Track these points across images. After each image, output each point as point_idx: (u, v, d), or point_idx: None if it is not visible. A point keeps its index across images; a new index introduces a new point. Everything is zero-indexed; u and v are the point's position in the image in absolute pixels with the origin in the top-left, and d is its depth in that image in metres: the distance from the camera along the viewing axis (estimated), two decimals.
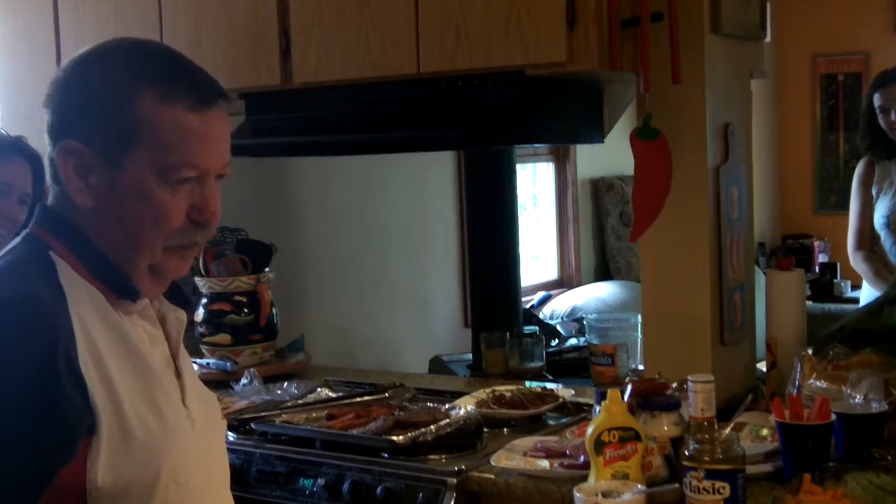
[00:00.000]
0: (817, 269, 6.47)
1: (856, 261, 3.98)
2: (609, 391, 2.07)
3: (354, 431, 2.54)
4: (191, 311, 3.12)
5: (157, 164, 1.42)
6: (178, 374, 1.54)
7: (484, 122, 2.65)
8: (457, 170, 4.79)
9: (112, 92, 1.43)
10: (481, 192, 3.78)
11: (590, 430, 2.06)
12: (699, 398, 2.03)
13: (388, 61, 2.63)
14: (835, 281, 6.21)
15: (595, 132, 2.83)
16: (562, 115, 2.70)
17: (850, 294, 5.82)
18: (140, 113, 1.42)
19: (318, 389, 2.95)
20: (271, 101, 2.89)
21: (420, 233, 4.74)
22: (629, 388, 2.21)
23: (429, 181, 4.76)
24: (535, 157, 5.57)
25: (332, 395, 2.91)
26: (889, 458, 2.05)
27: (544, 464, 2.30)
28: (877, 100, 3.70)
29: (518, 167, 3.99)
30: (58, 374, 1.32)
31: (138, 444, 1.39)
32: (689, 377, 2.05)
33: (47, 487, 1.33)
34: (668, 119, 2.52)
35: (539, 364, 3.45)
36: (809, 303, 5.31)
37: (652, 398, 2.17)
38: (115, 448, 1.37)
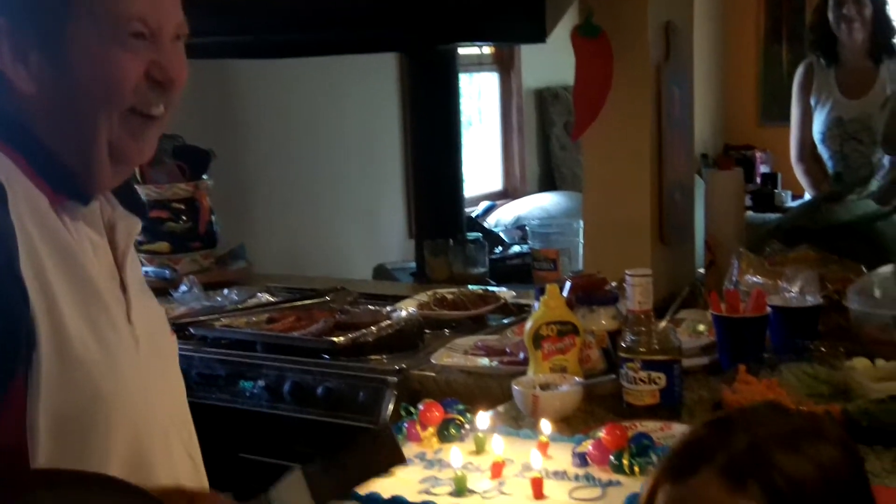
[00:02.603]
0: (759, 179, 6.52)
1: (798, 171, 4.00)
2: (548, 286, 2.08)
3: (295, 334, 2.53)
4: (146, 218, 3.06)
5: (102, 24, 1.28)
6: (124, 288, 1.38)
7: (424, 21, 2.61)
8: (400, 79, 4.73)
9: None
10: (424, 100, 3.73)
11: (528, 324, 2.07)
12: (636, 291, 2.03)
13: None
14: (776, 191, 6.26)
15: (537, 31, 2.79)
16: (503, 14, 2.66)
17: (790, 204, 5.87)
18: None
19: (259, 295, 2.93)
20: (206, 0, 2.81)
21: (364, 143, 4.70)
22: (568, 284, 2.22)
23: (373, 91, 4.71)
24: (479, 67, 5.52)
25: (273, 300, 2.89)
26: (823, 350, 2.07)
27: (484, 361, 2.30)
28: None
29: (464, 78, 3.95)
30: (2, 274, 1.19)
31: (77, 367, 1.24)
32: (627, 271, 2.05)
33: None
34: (609, 16, 2.49)
35: (482, 270, 3.45)
36: (751, 213, 5.38)
37: (590, 293, 2.17)
38: (52, 372, 1.22)
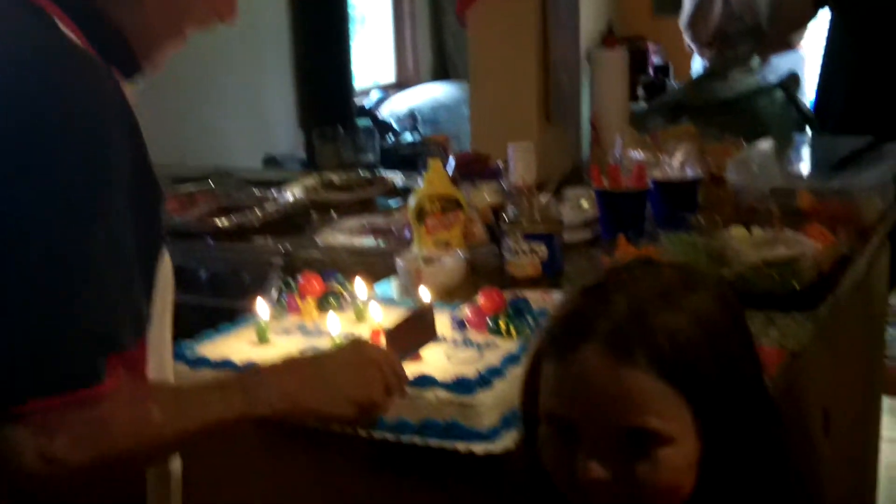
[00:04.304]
0: (651, 71, 6.56)
1: (687, 37, 4.01)
2: (430, 161, 2.06)
3: (177, 218, 2.47)
4: None
5: None
6: None
7: None
8: None
9: None
10: None
11: (412, 200, 2.06)
12: (519, 165, 2.04)
13: None
14: (668, 82, 6.30)
15: None
16: None
17: None
18: None
19: None
20: None
21: (250, 30, 4.57)
22: (452, 160, 2.21)
23: None
24: None
25: None
26: (702, 221, 2.11)
27: (370, 241, 2.29)
28: None
29: None
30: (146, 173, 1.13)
31: None
32: (510, 144, 2.04)
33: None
34: None
35: (372, 158, 3.42)
36: (642, 104, 5.41)
37: (473, 168, 2.17)
38: None
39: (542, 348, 1.08)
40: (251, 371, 1.25)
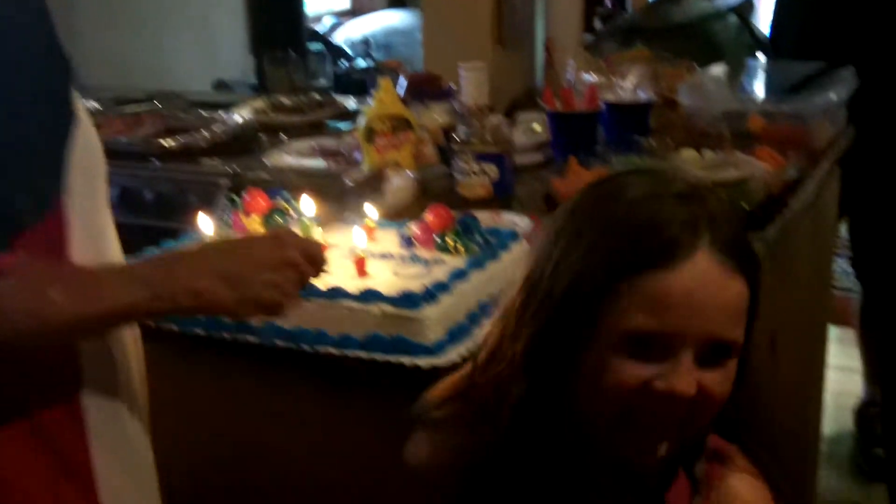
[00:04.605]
0: (608, 2, 6.52)
1: None
2: (381, 80, 2.03)
3: (122, 138, 2.43)
4: None
5: None
6: None
7: None
8: None
9: None
10: None
11: (361, 120, 2.02)
12: (470, 85, 2.01)
13: None
14: (623, 13, 6.27)
15: None
16: None
17: None
18: None
19: (85, 101, 2.79)
20: None
21: None
22: (403, 81, 2.18)
23: None
24: None
25: (99, 108, 2.76)
26: (654, 143, 2.10)
27: (320, 162, 2.26)
28: None
29: None
30: None
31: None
32: (460, 64, 2.01)
33: None
34: None
35: (325, 83, 3.37)
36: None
37: (424, 89, 2.14)
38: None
39: (620, 264, 0.99)
40: (161, 261, 1.21)
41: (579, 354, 1.02)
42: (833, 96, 2.19)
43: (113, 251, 1.27)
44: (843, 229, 3.01)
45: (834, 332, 3.34)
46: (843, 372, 3.37)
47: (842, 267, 3.55)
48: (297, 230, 1.64)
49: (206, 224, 1.53)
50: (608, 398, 1.01)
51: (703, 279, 0.98)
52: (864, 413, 3.05)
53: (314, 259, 1.23)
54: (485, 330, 1.40)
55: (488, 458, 1.09)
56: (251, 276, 1.16)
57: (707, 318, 0.98)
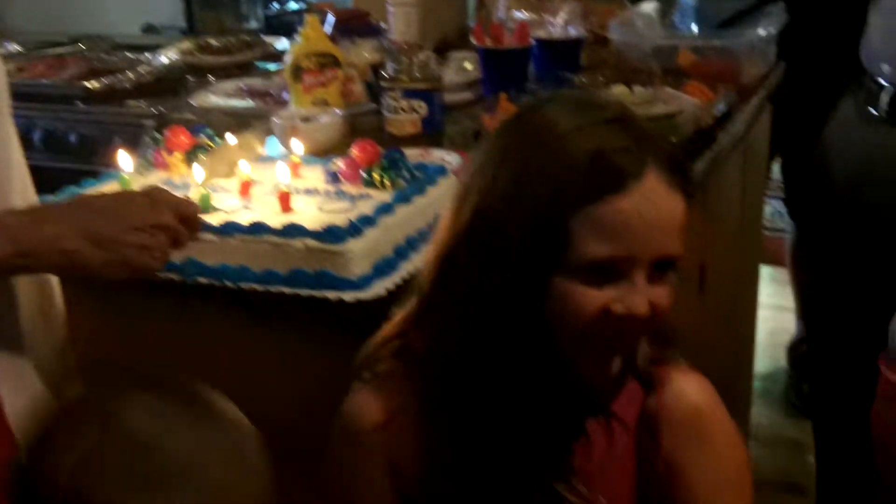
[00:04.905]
0: None
1: None
2: (307, 17, 1.99)
3: (45, 80, 2.37)
4: None
5: None
6: None
7: None
8: None
9: None
10: None
11: (288, 57, 1.99)
12: (399, 21, 1.98)
13: None
14: None
15: None
16: None
17: None
18: None
19: (7, 44, 2.72)
20: None
21: None
22: (331, 18, 2.14)
23: None
24: None
25: (22, 50, 2.69)
26: (584, 80, 2.09)
27: (247, 102, 2.22)
28: None
29: None
30: None
31: None
32: (389, 0, 1.98)
33: None
34: None
35: (256, 25, 3.32)
36: None
37: (353, 26, 2.10)
38: None
39: (570, 197, 0.99)
40: (32, 216, 1.16)
41: (535, 288, 1.02)
42: (762, 32, 2.19)
43: (15, 170, 1.23)
44: (778, 171, 3.04)
45: (769, 272, 3.38)
46: (777, 311, 3.42)
47: (776, 208, 3.59)
48: (222, 168, 1.61)
49: (126, 162, 1.50)
50: (567, 326, 1.03)
51: (652, 199, 1.00)
52: (795, 350, 3.10)
53: (188, 220, 1.21)
54: (412, 264, 1.40)
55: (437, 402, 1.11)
56: (121, 237, 1.13)
57: (656, 236, 1.01)
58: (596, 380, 1.08)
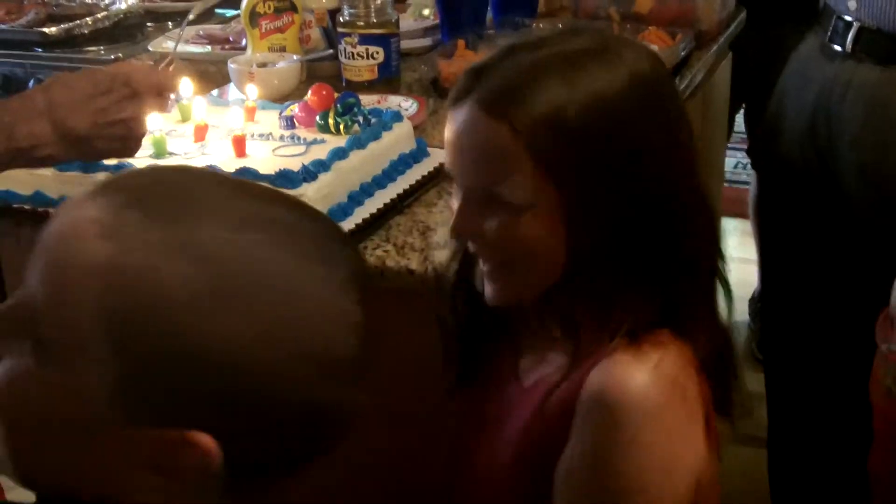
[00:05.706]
0: None
1: None
2: None
3: (3, 26, 2.35)
4: None
5: None
6: None
7: None
8: None
9: None
10: None
11: (244, 2, 1.98)
12: None
13: None
14: None
15: None
16: None
17: None
18: None
19: None
20: None
21: None
22: None
23: None
24: None
25: None
26: (542, 26, 2.09)
27: (205, 48, 2.21)
28: None
29: None
30: None
31: None
32: None
33: None
34: None
35: None
36: None
37: None
38: None
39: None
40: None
41: None
42: None
43: None
44: (741, 122, 3.04)
45: (733, 224, 3.40)
46: (742, 263, 3.41)
47: (739, 160, 3.61)
48: (175, 111, 1.61)
49: None
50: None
51: (463, 126, 1.02)
52: (757, 303, 3.11)
53: (161, 90, 1.21)
54: (366, 210, 1.41)
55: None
56: (98, 132, 1.13)
57: (468, 163, 1.04)
58: (492, 301, 1.08)
